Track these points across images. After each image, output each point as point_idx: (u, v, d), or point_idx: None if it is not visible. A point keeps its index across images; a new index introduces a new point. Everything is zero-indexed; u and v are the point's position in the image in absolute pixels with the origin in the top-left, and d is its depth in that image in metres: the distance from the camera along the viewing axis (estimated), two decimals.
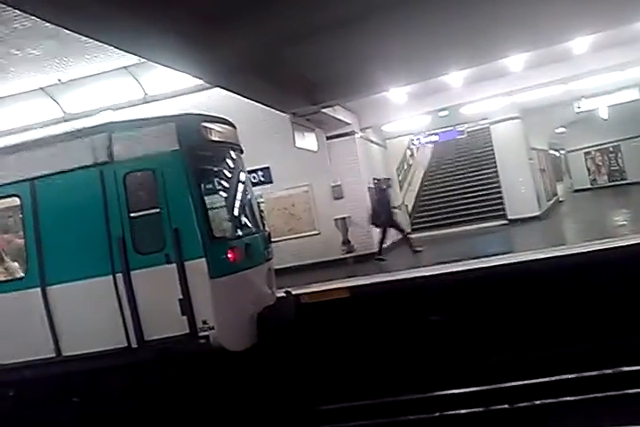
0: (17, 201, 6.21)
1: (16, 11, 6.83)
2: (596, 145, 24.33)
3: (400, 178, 17.38)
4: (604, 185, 24.43)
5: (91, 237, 5.94)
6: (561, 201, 21.26)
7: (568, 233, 13.23)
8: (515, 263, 8.22)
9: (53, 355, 5.92)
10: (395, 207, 13.07)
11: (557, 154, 26.27)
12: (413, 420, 6.07)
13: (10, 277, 6.41)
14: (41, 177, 6.09)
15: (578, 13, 8.12)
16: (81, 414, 5.99)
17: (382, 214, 11.87)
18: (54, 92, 11.95)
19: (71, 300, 5.92)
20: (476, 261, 8.91)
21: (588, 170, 25.30)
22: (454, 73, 10.96)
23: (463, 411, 6.01)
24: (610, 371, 6.07)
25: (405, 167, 18.55)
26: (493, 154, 16.60)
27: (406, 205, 16.88)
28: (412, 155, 19.29)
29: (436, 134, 16.53)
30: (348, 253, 12.17)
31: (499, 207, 16.04)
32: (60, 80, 11.35)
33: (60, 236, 6.01)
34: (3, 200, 6.36)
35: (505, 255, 9.09)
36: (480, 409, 5.95)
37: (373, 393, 6.67)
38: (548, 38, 9.35)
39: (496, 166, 16.30)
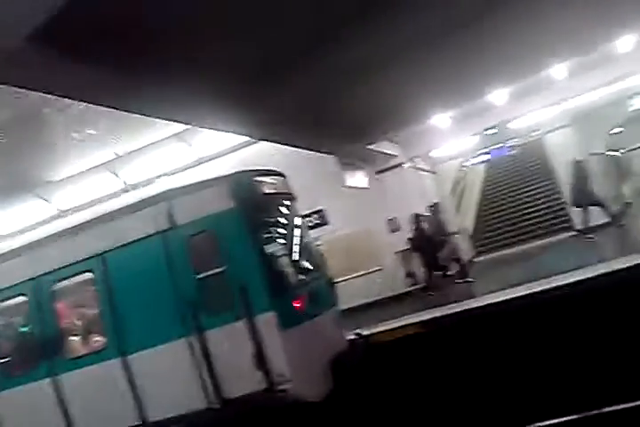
0: (90, 276, 6.56)
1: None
2: None
3: (455, 202, 17.06)
4: None
5: (162, 303, 6.15)
6: (629, 203, 20.03)
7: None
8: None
9: (140, 422, 6.09)
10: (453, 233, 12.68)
11: (618, 154, 24.98)
12: None
13: (90, 351, 6.66)
14: (110, 251, 6.43)
15: (620, 15, 7.95)
16: None
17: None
18: (114, 166, 12.73)
19: (150, 366, 6.10)
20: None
21: None
22: (498, 90, 10.87)
23: None
24: None
25: (459, 191, 18.19)
26: (548, 165, 16.06)
27: (465, 229, 16.46)
28: (464, 177, 18.96)
29: (486, 153, 16.23)
30: (412, 285, 11.95)
31: (564, 219, 15.37)
32: (117, 154, 12.12)
33: (133, 305, 6.26)
34: (79, 277, 6.71)
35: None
36: None
37: None
38: (591, 43, 9.16)
39: (553, 177, 15.74)
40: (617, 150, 19.67)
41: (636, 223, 13.31)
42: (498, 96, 11.63)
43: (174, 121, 6.94)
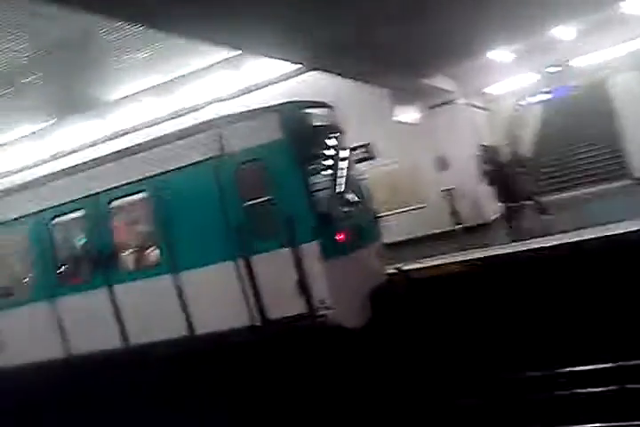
0: (145, 196, 6.83)
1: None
2: None
3: (508, 142, 16.47)
4: None
5: (211, 226, 6.37)
6: None
7: None
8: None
9: (186, 334, 6.54)
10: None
11: None
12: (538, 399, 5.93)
13: (145, 266, 7.05)
14: (164, 173, 6.63)
15: None
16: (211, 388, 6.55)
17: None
18: (164, 91, 12.78)
19: (199, 284, 6.46)
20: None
21: None
22: (565, 25, 10.10)
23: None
24: None
25: (513, 130, 17.47)
26: (611, 108, 15.13)
27: None
28: (520, 116, 18.11)
29: (546, 92, 15.37)
30: (457, 224, 11.92)
31: (623, 166, 14.69)
32: (169, 78, 12.13)
33: (185, 226, 6.52)
34: (134, 197, 6.99)
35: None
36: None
37: (491, 372, 6.58)
38: None
39: (615, 121, 14.87)
40: None
41: None
42: (564, 32, 10.82)
43: (228, 47, 6.81)
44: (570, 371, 6.36)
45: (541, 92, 15.36)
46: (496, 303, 7.62)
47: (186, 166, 6.50)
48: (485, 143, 12.68)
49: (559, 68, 13.60)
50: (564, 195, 14.81)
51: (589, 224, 8.71)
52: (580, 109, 18.25)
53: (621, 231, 7.75)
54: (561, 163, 16.61)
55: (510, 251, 8.60)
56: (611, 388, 5.76)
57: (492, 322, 7.46)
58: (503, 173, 10.95)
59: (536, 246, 8.37)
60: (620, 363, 6.11)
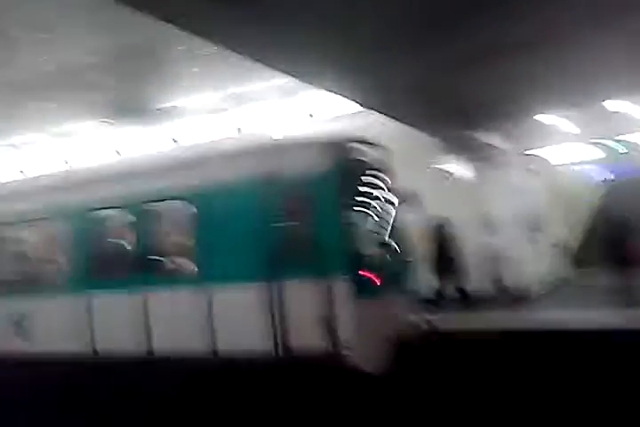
0: (189, 207, 6.87)
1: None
2: None
3: (565, 212, 15.86)
4: None
5: (252, 246, 6.36)
6: None
7: None
8: None
9: (209, 349, 6.39)
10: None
11: None
12: None
13: (179, 275, 7.05)
14: (212, 187, 6.70)
15: None
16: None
17: None
18: (228, 107, 13.20)
19: (228, 300, 6.37)
20: None
21: None
22: (632, 99, 9.93)
23: None
24: None
25: (571, 201, 16.88)
26: None
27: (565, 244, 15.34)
28: (580, 188, 17.54)
29: (608, 168, 14.89)
30: (498, 290, 11.38)
31: None
32: (232, 96, 12.56)
33: (223, 241, 6.51)
34: (180, 205, 7.04)
35: None
36: None
37: None
38: None
39: None
40: None
41: None
42: (625, 106, 10.60)
43: (289, 74, 7.01)
44: None
45: (601, 167, 14.91)
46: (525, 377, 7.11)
47: (234, 184, 6.56)
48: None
49: (623, 145, 13.26)
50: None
51: None
52: None
53: None
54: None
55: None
56: None
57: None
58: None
59: None
60: None
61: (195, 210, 6.78)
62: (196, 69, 10.84)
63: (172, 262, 7.15)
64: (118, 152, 15.00)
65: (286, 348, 6.02)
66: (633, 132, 12.37)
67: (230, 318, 6.33)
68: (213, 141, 11.25)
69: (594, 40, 7.11)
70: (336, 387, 5.86)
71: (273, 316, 6.08)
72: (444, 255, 10.78)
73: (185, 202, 6.90)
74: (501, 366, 7.38)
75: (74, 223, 7.58)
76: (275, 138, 6.92)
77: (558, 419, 6.27)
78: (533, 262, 12.07)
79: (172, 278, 6.99)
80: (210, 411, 6.34)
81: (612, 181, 15.48)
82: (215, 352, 6.37)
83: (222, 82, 11.54)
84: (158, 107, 13.46)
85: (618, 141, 12.93)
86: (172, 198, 6.97)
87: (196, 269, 6.69)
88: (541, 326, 8.35)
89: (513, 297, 10.81)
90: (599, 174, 15.35)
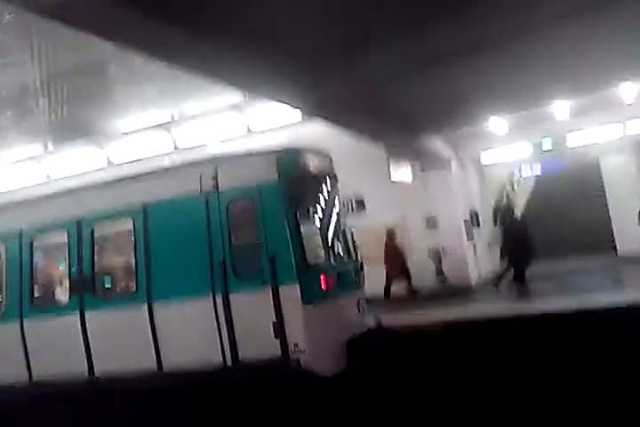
0: (131, 224, 6.83)
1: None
2: None
3: (497, 210, 16.78)
4: None
5: (194, 260, 6.38)
6: None
7: None
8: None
9: (155, 368, 6.37)
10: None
11: None
12: None
13: (120, 294, 7.01)
14: (153, 203, 6.69)
15: None
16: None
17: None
18: (168, 126, 13.12)
19: (173, 317, 6.37)
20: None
21: None
22: (560, 102, 10.62)
23: None
24: None
25: (505, 199, 17.85)
26: (602, 187, 15.58)
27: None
28: (511, 187, 18.56)
29: (537, 166, 15.85)
30: (441, 283, 11.92)
31: (609, 243, 14.93)
32: (173, 116, 12.50)
33: (167, 258, 6.52)
34: (119, 223, 7.01)
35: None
36: None
37: None
38: None
39: (605, 201, 15.27)
40: None
41: None
42: (559, 108, 11.37)
43: (233, 86, 7.10)
44: None
45: (533, 165, 15.82)
46: (471, 366, 7.51)
47: (176, 199, 6.57)
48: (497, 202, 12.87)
49: (551, 145, 14.14)
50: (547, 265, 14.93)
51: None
52: (572, 186, 18.72)
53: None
54: (549, 234, 16.82)
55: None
56: None
57: (466, 385, 7.32)
58: (519, 231, 10.81)
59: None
60: None
61: (135, 227, 6.74)
62: (136, 88, 10.72)
63: (113, 281, 7.09)
64: (48, 176, 14.50)
65: (237, 359, 6.06)
66: (560, 132, 13.19)
67: (177, 334, 6.32)
68: (155, 158, 11.12)
69: (535, 48, 7.49)
70: (291, 392, 5.99)
71: (221, 328, 6.11)
72: (398, 257, 11.32)
73: (124, 219, 6.85)
74: (450, 358, 7.76)
75: (7, 247, 7.42)
76: (218, 152, 6.96)
77: (504, 402, 6.68)
78: (473, 258, 12.68)
79: (113, 298, 6.95)
80: None
81: (539, 177, 16.58)
82: (164, 370, 6.35)
83: (165, 99, 11.47)
84: (97, 128, 13.18)
85: (547, 141, 13.77)
86: (113, 217, 6.91)
87: (139, 287, 6.61)
88: (482, 316, 8.76)
89: (455, 291, 11.37)
90: (529, 172, 16.30)
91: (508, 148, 13.97)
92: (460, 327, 8.22)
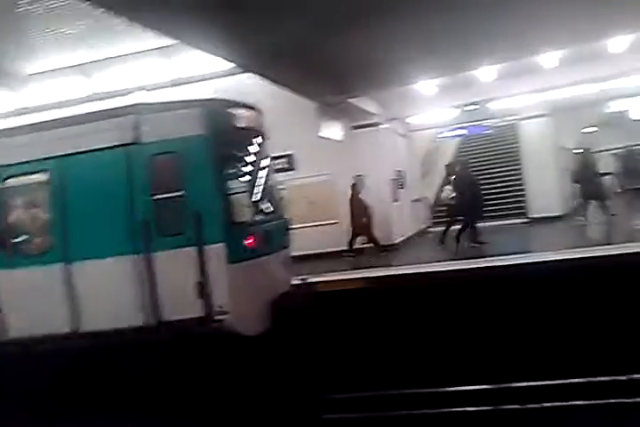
0: (45, 177, 6.35)
1: None
2: (627, 146, 23.72)
3: (425, 170, 17.26)
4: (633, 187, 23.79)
5: (114, 217, 6.08)
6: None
7: (590, 234, 12.95)
8: (530, 263, 8.14)
9: (70, 330, 6.10)
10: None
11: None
12: (419, 414, 6.10)
13: (34, 252, 6.53)
14: (69, 155, 6.21)
15: (617, 13, 7.90)
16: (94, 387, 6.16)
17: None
18: (88, 70, 12.07)
19: (92, 277, 6.07)
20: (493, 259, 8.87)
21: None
22: (485, 67, 10.81)
23: (470, 409, 6.03)
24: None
25: (430, 160, 18.38)
26: (519, 151, 16.34)
27: (426, 198, 16.74)
28: (437, 148, 19.10)
29: (462, 128, 16.31)
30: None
31: (520, 205, 15.83)
32: (93, 58, 11.48)
33: (85, 213, 6.15)
34: (32, 175, 6.48)
35: (523, 255, 8.99)
36: (488, 408, 5.95)
37: (381, 385, 6.71)
38: (585, 36, 9.14)
39: (520, 164, 16.07)
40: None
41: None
42: (485, 73, 11.59)
43: (152, 29, 6.54)
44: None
45: (458, 128, 16.25)
46: (390, 321, 7.82)
47: (95, 150, 6.14)
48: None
49: (476, 107, 14.50)
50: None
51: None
52: (492, 148, 19.58)
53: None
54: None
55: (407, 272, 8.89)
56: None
57: (382, 340, 7.64)
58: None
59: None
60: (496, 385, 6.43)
61: (50, 179, 6.28)
62: (64, 30, 9.63)
63: (26, 238, 6.60)
64: None
65: (161, 319, 5.93)
66: (484, 96, 13.54)
67: (96, 294, 6.07)
68: (75, 105, 10.19)
69: (464, 11, 7.40)
70: (215, 352, 5.96)
71: (142, 288, 5.92)
72: (361, 209, 11.48)
73: (38, 171, 6.36)
74: (374, 313, 8.03)
75: None
76: (142, 100, 6.47)
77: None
78: (397, 216, 13.01)
79: (27, 255, 6.46)
80: (86, 392, 6.13)
81: (465, 137, 17.21)
82: (86, 331, 6.11)
83: (92, 43, 10.40)
84: (17, 71, 11.86)
85: (472, 104, 14.12)
86: (24, 167, 6.36)
87: (55, 244, 6.23)
88: (404, 270, 9.12)
89: (382, 247, 11.68)
90: (456, 133, 16.79)
91: (435, 110, 14.16)
92: (384, 283, 8.46)
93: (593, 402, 5.65)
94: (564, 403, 5.77)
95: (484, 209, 11.76)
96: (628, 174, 23.05)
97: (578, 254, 8.12)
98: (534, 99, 14.20)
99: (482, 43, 8.74)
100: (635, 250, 7.82)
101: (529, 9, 7.57)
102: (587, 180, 12.66)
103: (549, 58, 10.99)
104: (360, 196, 11.59)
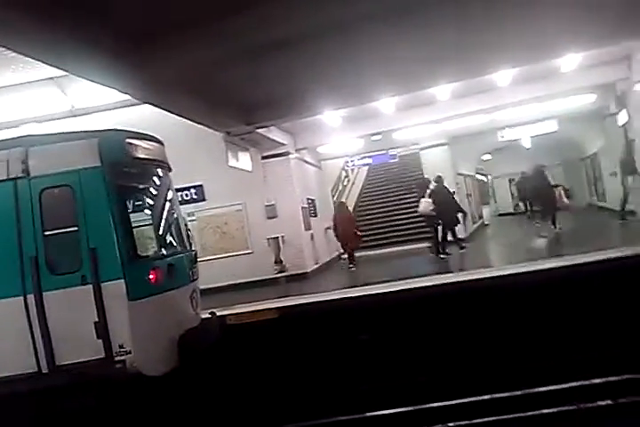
0: None
1: None
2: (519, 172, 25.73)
3: (335, 199, 17.64)
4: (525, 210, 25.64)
5: (1, 255, 5.65)
6: (486, 224, 22.20)
7: (489, 256, 13.77)
8: (434, 286, 8.50)
9: None
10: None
11: (485, 179, 27.51)
12: None
13: None
14: None
15: (501, 48, 8.65)
16: None
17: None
18: None
19: None
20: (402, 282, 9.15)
21: (512, 195, 26.67)
22: (386, 99, 11.38)
23: None
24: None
25: (340, 188, 18.87)
26: (422, 177, 17.18)
27: None
28: (346, 176, 19.67)
29: (369, 157, 16.98)
30: (280, 272, 12.15)
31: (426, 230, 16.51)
32: None
33: None
34: None
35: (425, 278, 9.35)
36: None
37: (298, 417, 6.60)
38: (473, 70, 9.91)
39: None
40: (485, 176, 21.51)
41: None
42: (386, 105, 12.21)
43: (41, 61, 6.25)
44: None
45: (365, 157, 16.90)
46: (301, 350, 7.79)
47: None
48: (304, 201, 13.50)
49: (380, 137, 15.21)
50: (382, 250, 16.15)
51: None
52: (399, 177, 20.48)
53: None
54: (378, 222, 18.15)
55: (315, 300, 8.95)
56: None
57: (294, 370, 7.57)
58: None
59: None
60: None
61: None
62: None
63: None
64: None
65: (55, 364, 5.50)
66: (388, 127, 14.23)
67: None
68: None
69: (360, 44, 7.75)
70: (119, 396, 5.61)
71: (33, 330, 5.49)
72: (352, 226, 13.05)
73: None
74: (285, 344, 7.95)
75: None
76: (34, 132, 6.15)
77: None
78: (309, 245, 13.15)
79: None
80: None
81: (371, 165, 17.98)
82: None
83: None
84: None
85: (376, 134, 14.79)
86: None
87: None
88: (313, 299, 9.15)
89: (292, 276, 11.73)
90: (364, 162, 17.46)
91: (342, 140, 14.65)
92: (295, 313, 8.44)
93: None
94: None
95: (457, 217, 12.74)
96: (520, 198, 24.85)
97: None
98: (434, 129, 15.12)
99: (380, 77, 9.21)
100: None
101: (419, 46, 8.12)
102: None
103: (442, 91, 11.79)
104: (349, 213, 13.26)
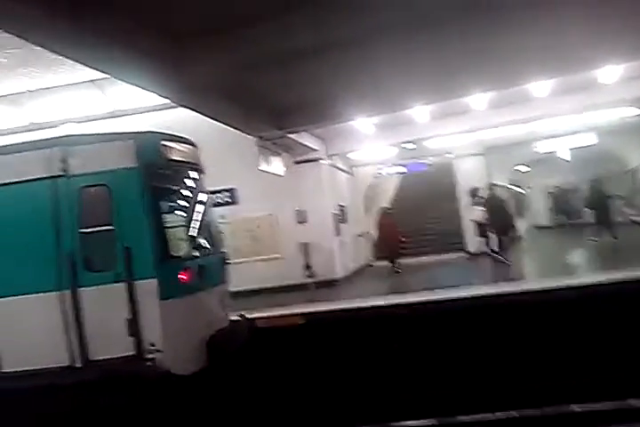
0: None
1: None
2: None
3: (367, 205, 17.54)
4: (564, 223, 25.05)
5: (39, 251, 5.79)
6: (522, 237, 21.70)
7: (520, 269, 13.41)
8: (466, 298, 8.34)
9: None
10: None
11: (523, 191, 26.94)
12: None
13: None
14: None
15: (538, 60, 8.52)
16: None
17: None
18: (18, 100, 11.72)
19: (14, 314, 5.72)
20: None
21: (550, 208, 26.11)
22: (420, 107, 11.30)
23: None
24: None
25: (372, 195, 18.75)
26: (455, 187, 16.97)
27: (369, 233, 16.96)
28: (379, 184, 19.56)
29: (402, 165, 16.86)
30: (309, 277, 12.12)
31: (458, 240, 16.28)
32: (26, 89, 11.16)
33: (8, 247, 5.84)
34: None
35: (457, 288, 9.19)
36: None
37: (323, 423, 6.55)
38: (506, 80, 9.77)
39: (456, 199, 16.65)
40: (522, 187, 21.22)
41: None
42: (420, 113, 12.12)
43: (83, 64, 6.45)
44: None
45: (398, 165, 16.78)
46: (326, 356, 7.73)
47: (21, 181, 5.89)
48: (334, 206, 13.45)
49: (414, 146, 15.09)
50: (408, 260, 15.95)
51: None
52: (431, 185, 20.24)
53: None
54: (410, 231, 17.95)
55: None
56: None
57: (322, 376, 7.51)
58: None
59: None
60: None
61: None
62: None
63: None
64: None
65: (87, 358, 5.62)
66: (421, 135, 14.11)
67: (21, 334, 5.71)
68: (4, 136, 9.77)
69: (397, 53, 7.73)
70: (148, 393, 5.66)
71: (68, 326, 5.63)
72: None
73: None
74: (312, 349, 7.91)
75: None
76: (74, 132, 6.31)
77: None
78: (339, 251, 13.09)
79: None
80: None
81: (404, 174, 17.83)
82: (4, 374, 5.71)
83: (24, 72, 10.10)
84: None
85: (409, 142, 14.69)
86: None
87: None
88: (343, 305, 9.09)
89: (321, 283, 11.68)
90: (396, 170, 17.33)
91: (375, 147, 14.58)
92: (321, 318, 8.40)
93: None
94: None
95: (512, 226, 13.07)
96: (558, 211, 24.31)
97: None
98: (468, 138, 14.93)
99: (416, 84, 9.18)
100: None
101: (459, 53, 8.05)
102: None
103: (478, 100, 11.64)
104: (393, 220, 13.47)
